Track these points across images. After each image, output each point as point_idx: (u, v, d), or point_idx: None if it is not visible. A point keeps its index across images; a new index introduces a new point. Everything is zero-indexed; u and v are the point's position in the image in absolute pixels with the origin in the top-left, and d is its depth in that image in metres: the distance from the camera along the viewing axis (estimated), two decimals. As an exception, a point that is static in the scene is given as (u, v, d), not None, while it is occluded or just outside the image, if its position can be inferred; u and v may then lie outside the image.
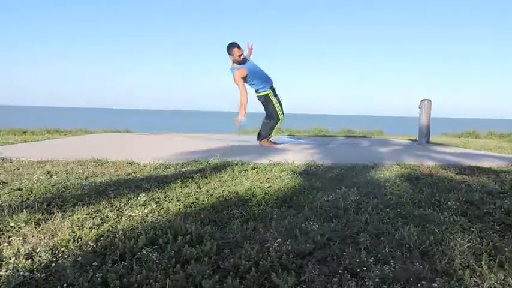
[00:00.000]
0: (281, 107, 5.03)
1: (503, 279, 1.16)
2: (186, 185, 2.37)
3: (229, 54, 4.73)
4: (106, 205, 1.89)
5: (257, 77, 4.85)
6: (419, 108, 5.88)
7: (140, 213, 1.75)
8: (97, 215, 1.73)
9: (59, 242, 1.39)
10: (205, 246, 1.34)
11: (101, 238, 1.44)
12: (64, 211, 1.78)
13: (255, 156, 3.82)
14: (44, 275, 1.15)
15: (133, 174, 2.70)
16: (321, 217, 1.75)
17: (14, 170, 2.77)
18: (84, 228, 1.51)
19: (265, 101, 4.97)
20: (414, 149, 5.16)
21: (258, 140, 5.13)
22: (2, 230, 1.51)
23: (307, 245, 1.39)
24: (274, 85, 5.04)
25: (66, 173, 2.65)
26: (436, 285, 1.13)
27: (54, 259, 1.26)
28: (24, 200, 1.94)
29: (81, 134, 7.38)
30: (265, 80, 4.93)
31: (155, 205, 1.88)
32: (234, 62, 4.77)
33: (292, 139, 6.64)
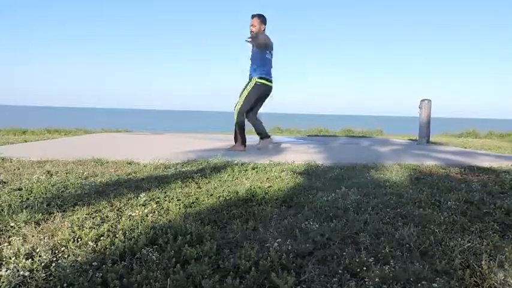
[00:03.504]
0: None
1: (503, 279, 1.16)
2: (186, 185, 2.37)
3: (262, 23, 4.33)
4: (106, 205, 1.89)
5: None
6: (419, 108, 5.89)
7: (140, 213, 1.75)
8: (97, 215, 1.73)
9: (59, 242, 1.39)
10: (205, 246, 1.34)
11: (101, 238, 1.44)
12: (64, 211, 1.78)
13: (255, 156, 3.82)
14: (44, 275, 1.15)
15: (133, 174, 2.70)
16: (321, 217, 1.75)
17: (14, 170, 2.76)
18: (84, 228, 1.51)
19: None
20: (414, 149, 5.16)
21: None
22: (2, 230, 1.51)
23: (307, 245, 1.39)
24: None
25: (66, 173, 2.65)
26: (436, 285, 1.13)
27: (54, 259, 1.26)
28: (24, 200, 1.94)
29: (81, 134, 7.37)
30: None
31: (155, 205, 1.88)
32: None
33: (291, 139, 6.64)
